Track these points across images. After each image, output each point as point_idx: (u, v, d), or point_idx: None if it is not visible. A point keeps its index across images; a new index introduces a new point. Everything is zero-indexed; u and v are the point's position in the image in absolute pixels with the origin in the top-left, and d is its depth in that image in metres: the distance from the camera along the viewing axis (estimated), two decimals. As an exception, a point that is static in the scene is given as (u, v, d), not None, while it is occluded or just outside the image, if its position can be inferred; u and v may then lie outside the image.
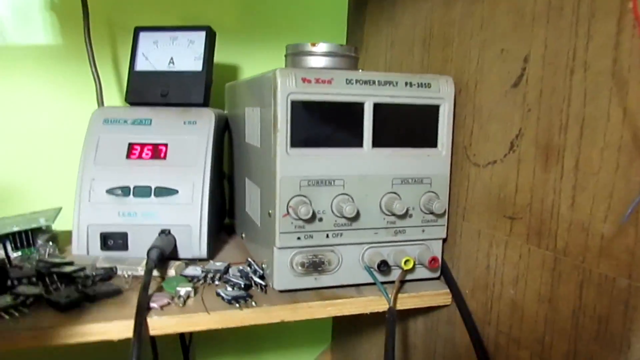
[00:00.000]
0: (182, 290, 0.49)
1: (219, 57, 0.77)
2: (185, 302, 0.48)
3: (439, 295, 0.54)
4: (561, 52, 0.41)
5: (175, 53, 0.72)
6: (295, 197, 0.48)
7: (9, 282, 0.49)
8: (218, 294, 0.49)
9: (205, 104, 0.71)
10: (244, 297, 0.48)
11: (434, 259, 0.52)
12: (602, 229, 0.37)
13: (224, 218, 0.78)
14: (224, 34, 0.81)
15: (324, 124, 0.48)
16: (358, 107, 0.49)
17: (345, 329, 0.89)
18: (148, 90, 0.71)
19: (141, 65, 0.72)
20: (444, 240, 0.55)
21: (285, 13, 0.88)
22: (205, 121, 0.63)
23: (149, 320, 0.45)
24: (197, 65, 0.71)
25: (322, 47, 0.50)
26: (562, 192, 0.41)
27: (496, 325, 0.49)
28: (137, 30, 0.73)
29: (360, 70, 0.52)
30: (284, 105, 0.47)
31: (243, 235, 0.66)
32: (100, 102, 0.74)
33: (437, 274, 0.55)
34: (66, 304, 0.46)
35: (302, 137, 0.48)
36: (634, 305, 0.35)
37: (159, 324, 0.45)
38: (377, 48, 0.74)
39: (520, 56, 0.45)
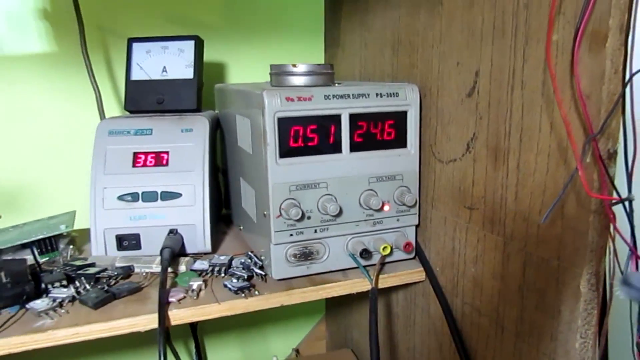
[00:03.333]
0: (195, 284, 0.57)
1: (206, 57, 0.83)
2: (198, 294, 0.56)
3: (415, 273, 0.63)
4: (504, 70, 0.48)
5: (168, 62, 0.78)
6: (286, 201, 0.56)
7: (43, 286, 0.57)
8: (225, 286, 0.58)
9: (198, 108, 0.77)
10: (247, 287, 0.57)
11: (408, 244, 0.61)
12: (538, 220, 0.46)
13: (222, 210, 0.86)
14: (210, 32, 0.87)
15: (307, 135, 0.56)
16: (336, 118, 0.56)
17: (337, 301, 0.99)
18: (144, 98, 0.78)
19: (136, 75, 0.78)
20: (417, 226, 0.63)
21: (265, 12, 0.94)
22: (200, 128, 0.70)
23: (169, 313, 0.53)
24: (188, 73, 0.77)
25: (302, 67, 0.57)
26: (508, 188, 0.49)
27: (462, 297, 0.58)
28: (130, 41, 0.79)
29: (336, 85, 0.59)
30: (272, 122, 0.54)
31: (241, 227, 0.74)
32: (100, 109, 0.81)
33: (412, 256, 0.64)
34: (96, 303, 0.54)
35: (288, 148, 0.55)
36: (562, 281, 0.44)
37: (178, 315, 0.53)
38: (352, 47, 0.81)
39: (472, 70, 0.53)
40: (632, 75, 0.37)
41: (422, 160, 0.62)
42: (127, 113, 0.78)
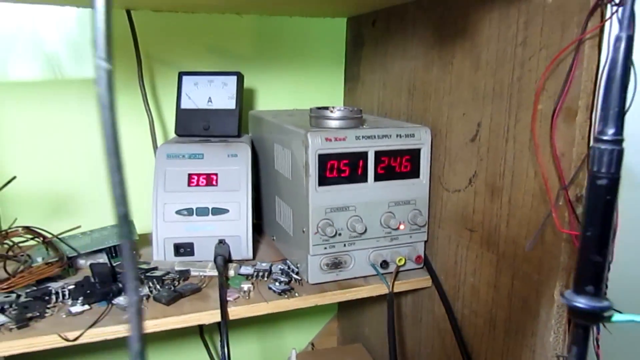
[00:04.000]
0: (245, 287, 0.70)
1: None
2: (249, 295, 0.69)
3: (423, 280, 0.77)
4: (500, 125, 0.62)
5: (213, 93, 0.91)
6: (322, 220, 0.69)
7: (120, 285, 0.70)
8: (270, 288, 0.71)
9: (238, 134, 0.90)
10: (288, 289, 0.70)
11: (418, 257, 0.74)
12: (524, 244, 0.59)
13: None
14: (243, 62, 1.00)
15: (340, 168, 0.69)
16: (364, 155, 0.70)
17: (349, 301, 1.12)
18: (192, 125, 0.90)
19: (185, 104, 0.91)
20: (426, 242, 0.77)
21: (291, 47, 1.07)
22: (243, 154, 0.83)
23: (228, 309, 0.66)
24: (231, 104, 0.90)
25: (337, 112, 0.70)
26: (501, 217, 0.63)
27: (462, 301, 0.71)
28: (181, 75, 0.92)
29: (365, 127, 0.72)
30: (314, 158, 0.67)
31: (274, 237, 0.87)
32: (152, 132, 0.94)
33: (421, 266, 0.77)
34: (168, 300, 0.67)
35: (325, 178, 0.68)
36: (541, 291, 0.57)
37: (235, 312, 0.66)
38: (371, 84, 0.94)
39: (475, 121, 0.66)
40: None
41: (432, 189, 0.75)
42: (175, 135, 0.91)
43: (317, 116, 0.72)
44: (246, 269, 0.76)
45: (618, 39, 0.34)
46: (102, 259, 0.77)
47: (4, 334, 0.60)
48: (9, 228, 0.72)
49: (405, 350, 0.87)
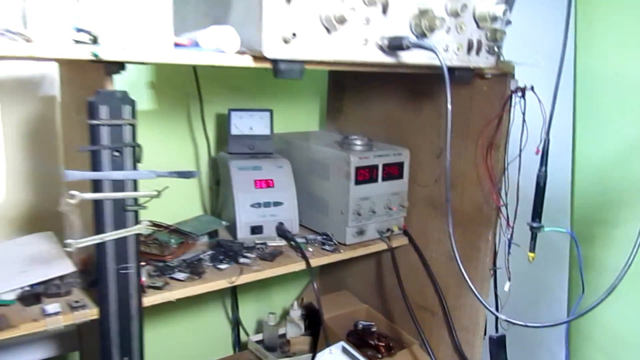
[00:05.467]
0: (311, 248, 1.14)
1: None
2: (313, 253, 1.14)
3: (405, 240, 1.27)
4: (456, 149, 1.14)
5: (253, 124, 1.32)
6: (355, 205, 1.16)
7: (232, 253, 1.09)
8: (323, 248, 1.16)
9: (272, 152, 1.32)
10: (336, 249, 1.16)
11: (404, 226, 1.25)
12: (471, 213, 1.13)
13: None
14: (258, 98, 1.43)
15: (365, 173, 1.16)
16: (377, 166, 1.18)
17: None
18: (240, 146, 1.31)
19: (234, 131, 1.31)
20: (406, 217, 1.27)
21: (285, 86, 1.50)
22: (287, 166, 1.26)
23: (310, 260, 1.10)
24: (267, 131, 1.32)
25: (360, 141, 1.17)
26: (456, 199, 1.15)
27: (431, 251, 1.23)
28: (230, 111, 1.31)
29: (374, 149, 1.20)
30: (353, 169, 1.14)
31: (301, 220, 1.32)
32: (209, 150, 1.32)
33: (402, 232, 1.28)
34: (271, 259, 1.09)
35: (357, 180, 1.15)
36: (481, 234, 1.11)
37: (315, 262, 1.10)
38: (354, 116, 1.42)
39: (439, 146, 1.18)
40: (507, 165, 1.05)
41: (410, 185, 1.26)
42: (222, 152, 1.30)
43: (348, 143, 1.19)
44: (301, 239, 1.20)
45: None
46: (205, 238, 1.15)
47: (187, 282, 0.97)
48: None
49: (385, 290, 1.38)
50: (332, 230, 1.22)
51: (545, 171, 0.82)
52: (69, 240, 0.80)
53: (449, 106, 0.78)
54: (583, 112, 1.48)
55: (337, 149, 1.19)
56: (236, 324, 1.54)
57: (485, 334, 1.15)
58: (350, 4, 0.75)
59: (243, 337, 1.56)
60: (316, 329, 1.43)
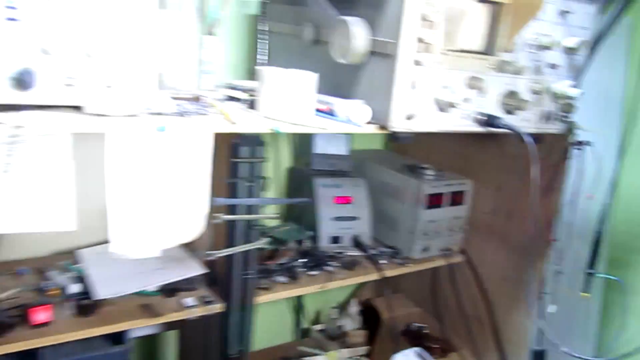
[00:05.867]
0: (382, 260, 1.34)
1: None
2: (387, 262, 1.33)
3: (461, 259, 1.46)
4: (517, 195, 1.31)
5: (334, 144, 1.51)
6: (423, 227, 1.35)
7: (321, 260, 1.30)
8: (393, 261, 1.35)
9: (350, 171, 1.51)
10: (405, 262, 1.35)
11: (462, 246, 1.44)
12: (524, 239, 1.30)
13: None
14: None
15: (432, 200, 1.35)
16: (441, 193, 1.36)
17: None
18: (322, 164, 1.50)
19: (318, 150, 1.50)
20: (465, 238, 1.46)
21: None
22: (364, 185, 1.45)
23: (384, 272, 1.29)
24: (345, 151, 1.51)
25: (430, 171, 1.36)
26: (511, 230, 1.33)
27: (485, 271, 1.41)
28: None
29: (441, 179, 1.38)
30: (423, 196, 1.32)
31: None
32: (292, 163, 1.52)
33: (460, 251, 1.46)
34: (351, 267, 1.29)
35: (427, 206, 1.34)
36: (532, 261, 1.29)
37: (388, 272, 1.30)
38: (419, 143, 1.60)
39: (498, 181, 1.35)
40: (561, 206, 1.22)
41: (471, 212, 1.44)
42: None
43: (419, 172, 1.37)
44: (374, 251, 1.39)
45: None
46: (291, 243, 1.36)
47: (288, 285, 1.18)
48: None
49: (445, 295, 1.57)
50: (401, 245, 1.41)
51: (604, 228, 0.99)
52: (210, 252, 1.01)
53: (537, 181, 0.94)
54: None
55: (410, 175, 1.38)
56: (299, 313, 1.76)
57: (526, 345, 1.34)
58: (456, 88, 0.92)
59: (302, 325, 1.78)
60: (371, 324, 1.64)
